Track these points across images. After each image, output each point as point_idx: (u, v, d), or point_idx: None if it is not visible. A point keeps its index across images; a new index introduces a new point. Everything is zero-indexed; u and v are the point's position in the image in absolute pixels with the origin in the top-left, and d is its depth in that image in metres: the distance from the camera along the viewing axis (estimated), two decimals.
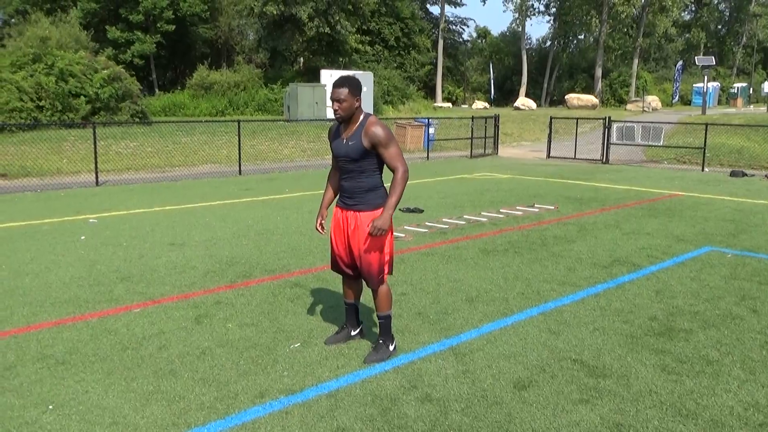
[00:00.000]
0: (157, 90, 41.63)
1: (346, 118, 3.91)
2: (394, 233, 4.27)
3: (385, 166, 3.99)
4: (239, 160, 15.05)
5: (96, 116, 22.68)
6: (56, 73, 22.21)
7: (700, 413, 3.46)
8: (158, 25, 39.35)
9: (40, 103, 21.50)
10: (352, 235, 4.04)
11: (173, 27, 39.82)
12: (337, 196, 4.22)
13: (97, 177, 12.83)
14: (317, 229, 4.27)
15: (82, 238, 7.64)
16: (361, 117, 3.95)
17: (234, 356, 4.17)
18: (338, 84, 3.88)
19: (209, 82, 36.61)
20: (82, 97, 22.37)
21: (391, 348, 4.16)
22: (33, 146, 15.83)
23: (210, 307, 5.13)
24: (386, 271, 4.09)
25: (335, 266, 4.28)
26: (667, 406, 3.53)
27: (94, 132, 13.07)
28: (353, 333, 4.44)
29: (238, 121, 15.57)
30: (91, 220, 8.76)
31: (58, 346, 4.31)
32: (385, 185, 4.07)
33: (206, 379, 3.83)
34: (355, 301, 4.38)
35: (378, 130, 3.86)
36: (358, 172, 3.97)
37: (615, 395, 3.66)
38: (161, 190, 12.05)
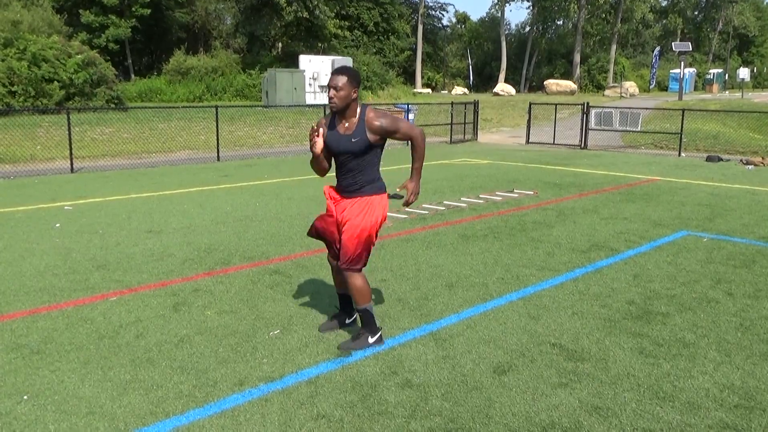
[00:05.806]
0: (133, 75, 41.08)
1: (340, 107, 3.81)
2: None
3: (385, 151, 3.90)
4: (217, 146, 14.91)
5: (70, 102, 22.29)
6: (29, 58, 21.77)
7: (676, 395, 3.50)
8: (133, 8, 38.73)
9: (13, 89, 21.09)
10: (344, 211, 3.96)
11: (149, 11, 39.24)
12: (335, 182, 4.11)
13: (72, 163, 12.63)
14: (313, 137, 3.91)
15: (57, 225, 7.52)
16: (359, 110, 3.87)
17: (213, 344, 4.14)
18: (338, 71, 3.82)
19: (186, 68, 36.22)
20: (55, 82, 21.96)
21: (371, 340, 4.05)
22: (5, 132, 15.50)
23: (188, 295, 5.07)
24: (362, 256, 3.96)
25: (320, 234, 4.14)
26: (644, 389, 3.57)
27: (68, 118, 12.84)
28: (348, 321, 4.38)
29: (216, 107, 15.40)
30: (66, 207, 8.63)
31: (33, 336, 4.24)
32: (382, 177, 4.04)
33: (184, 368, 3.79)
34: (346, 290, 4.25)
35: (383, 122, 3.83)
36: (358, 167, 3.90)
37: (593, 378, 3.69)
38: (138, 176, 11.90)
